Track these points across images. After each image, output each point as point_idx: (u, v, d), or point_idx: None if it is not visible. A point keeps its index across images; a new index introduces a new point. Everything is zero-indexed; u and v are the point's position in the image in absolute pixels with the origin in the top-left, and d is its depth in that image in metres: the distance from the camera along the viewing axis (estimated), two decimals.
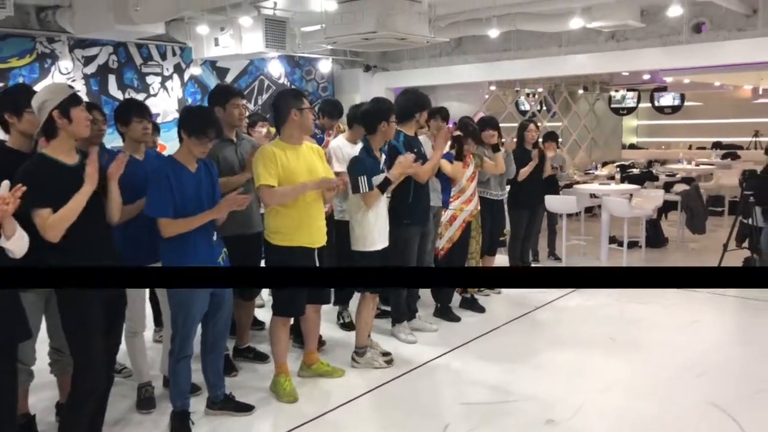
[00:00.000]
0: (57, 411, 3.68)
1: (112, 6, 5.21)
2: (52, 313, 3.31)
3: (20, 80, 5.95)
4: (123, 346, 3.47)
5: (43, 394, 3.82)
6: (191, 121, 3.40)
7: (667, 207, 8.60)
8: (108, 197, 3.04)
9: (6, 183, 2.55)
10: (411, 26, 6.30)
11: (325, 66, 9.01)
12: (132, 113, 3.73)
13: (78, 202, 2.86)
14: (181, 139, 3.48)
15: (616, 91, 14.68)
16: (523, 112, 13.71)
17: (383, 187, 4.14)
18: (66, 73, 6.29)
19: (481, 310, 5.54)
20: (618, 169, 11.25)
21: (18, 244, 2.62)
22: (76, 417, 3.02)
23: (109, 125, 4.04)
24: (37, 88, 3.21)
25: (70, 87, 3.06)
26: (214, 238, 3.47)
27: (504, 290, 6.09)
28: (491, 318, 5.39)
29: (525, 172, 6.24)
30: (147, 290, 4.33)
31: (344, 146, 4.78)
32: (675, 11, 6.04)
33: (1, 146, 3.21)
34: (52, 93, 2.95)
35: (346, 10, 6.22)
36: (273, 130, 5.23)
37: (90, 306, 2.97)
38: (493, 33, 7.05)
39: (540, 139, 6.80)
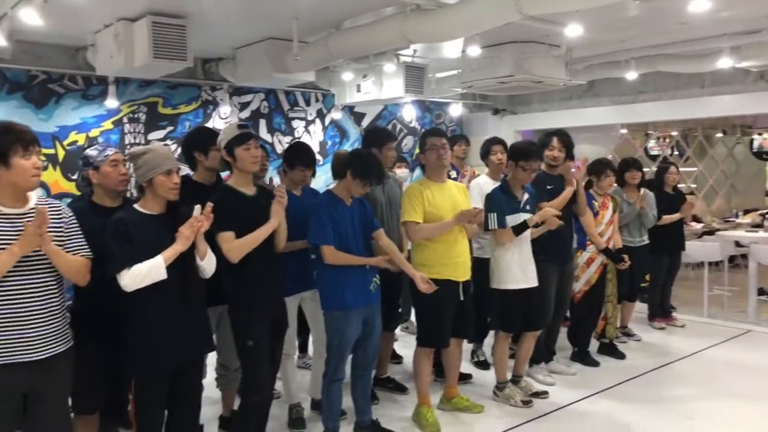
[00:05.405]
0: (220, 424, 3.96)
1: (271, 57, 5.71)
2: (223, 330, 3.63)
3: (187, 124, 6.64)
4: None
5: (206, 408, 4.12)
6: (360, 165, 3.62)
7: None
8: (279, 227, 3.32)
9: (197, 207, 2.88)
10: (548, 69, 6.36)
11: (455, 110, 9.24)
12: (298, 162, 4.00)
13: (262, 234, 3.17)
14: (340, 175, 3.73)
15: (760, 134, 13.79)
16: (653, 157, 13.20)
17: (518, 229, 4.15)
18: (224, 118, 6.93)
19: (621, 356, 5.34)
20: (763, 216, 10.53)
21: (210, 263, 2.94)
22: (245, 428, 3.28)
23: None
24: None
25: (240, 126, 3.31)
26: (368, 267, 3.67)
27: (644, 337, 5.86)
28: (631, 365, 5.18)
29: (670, 218, 6.04)
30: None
31: (485, 184, 4.89)
32: None
33: (188, 180, 3.61)
34: (224, 134, 3.30)
35: (484, 54, 6.39)
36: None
37: (259, 328, 3.25)
38: (631, 75, 6.95)
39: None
